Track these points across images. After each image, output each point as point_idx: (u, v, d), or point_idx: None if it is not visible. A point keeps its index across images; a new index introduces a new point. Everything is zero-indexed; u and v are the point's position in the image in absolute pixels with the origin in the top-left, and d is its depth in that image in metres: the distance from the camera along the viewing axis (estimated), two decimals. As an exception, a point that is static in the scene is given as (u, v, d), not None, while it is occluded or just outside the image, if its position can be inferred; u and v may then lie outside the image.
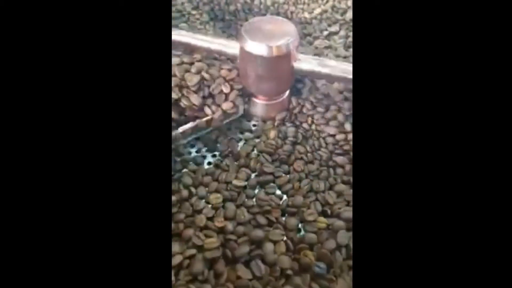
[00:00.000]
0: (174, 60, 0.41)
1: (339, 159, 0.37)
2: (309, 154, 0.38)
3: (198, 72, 0.40)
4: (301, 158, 0.38)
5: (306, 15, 0.57)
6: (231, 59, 0.42)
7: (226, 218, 0.32)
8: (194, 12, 0.57)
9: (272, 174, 0.36)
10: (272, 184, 0.36)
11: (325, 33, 0.54)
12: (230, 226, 0.32)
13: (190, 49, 0.43)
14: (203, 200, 0.34)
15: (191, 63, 0.41)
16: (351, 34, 0.53)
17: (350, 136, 0.39)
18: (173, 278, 0.28)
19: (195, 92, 0.39)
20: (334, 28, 0.55)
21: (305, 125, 0.41)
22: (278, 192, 0.36)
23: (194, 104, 0.39)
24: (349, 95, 0.42)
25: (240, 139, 0.41)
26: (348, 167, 0.37)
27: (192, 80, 0.39)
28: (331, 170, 0.37)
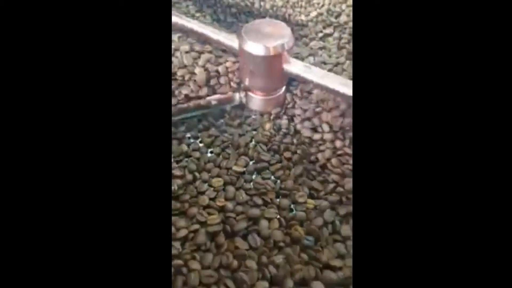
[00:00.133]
0: (183, 48, 0.47)
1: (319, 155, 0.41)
2: (295, 146, 0.42)
3: (206, 62, 0.46)
4: (287, 149, 0.42)
5: (303, 17, 0.61)
6: (236, 53, 0.46)
7: (226, 199, 0.36)
8: (198, 14, 0.61)
9: (268, 162, 0.40)
10: (267, 170, 0.40)
11: (320, 34, 0.58)
12: (230, 205, 0.36)
13: (203, 38, 0.48)
14: (206, 184, 0.38)
15: (201, 52, 0.46)
16: (344, 36, 0.57)
17: (326, 136, 0.42)
18: (179, 247, 0.32)
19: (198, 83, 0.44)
20: (329, 30, 0.59)
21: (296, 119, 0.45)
22: (273, 177, 0.40)
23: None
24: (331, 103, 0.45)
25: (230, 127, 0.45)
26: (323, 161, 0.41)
27: (200, 75, 0.44)
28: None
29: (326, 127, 0.43)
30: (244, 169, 0.40)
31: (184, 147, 0.42)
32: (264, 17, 0.60)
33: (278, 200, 0.37)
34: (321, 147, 0.42)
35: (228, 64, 0.46)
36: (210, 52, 0.48)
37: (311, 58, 0.52)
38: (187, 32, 0.49)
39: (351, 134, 0.42)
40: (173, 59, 0.47)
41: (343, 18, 0.60)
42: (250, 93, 0.45)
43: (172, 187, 0.37)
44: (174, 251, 0.32)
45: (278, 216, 0.35)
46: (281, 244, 0.33)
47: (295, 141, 0.43)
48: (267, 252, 0.32)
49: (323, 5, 0.62)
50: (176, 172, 0.39)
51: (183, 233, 0.33)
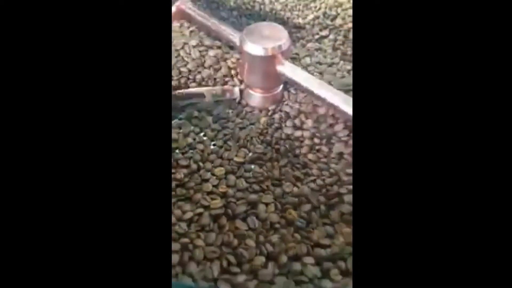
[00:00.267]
0: (192, 42, 0.52)
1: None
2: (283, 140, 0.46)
3: (214, 56, 0.52)
4: (277, 142, 0.45)
5: (300, 20, 0.65)
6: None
7: (228, 186, 0.40)
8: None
9: (261, 153, 0.44)
10: (260, 161, 0.43)
11: (316, 36, 0.62)
12: (231, 191, 0.39)
13: (214, 34, 0.53)
14: (209, 173, 0.42)
15: (210, 47, 0.52)
16: (339, 37, 0.61)
17: (305, 134, 0.46)
18: (186, 228, 0.36)
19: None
20: (325, 32, 0.62)
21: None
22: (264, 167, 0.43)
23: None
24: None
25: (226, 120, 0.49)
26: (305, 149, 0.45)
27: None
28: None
29: (307, 126, 0.47)
30: (244, 159, 0.43)
31: (189, 140, 0.45)
32: (264, 20, 0.64)
33: (273, 187, 0.41)
34: (302, 144, 0.45)
35: (233, 59, 0.51)
36: (219, 47, 0.53)
37: (307, 59, 0.56)
38: (202, 27, 0.56)
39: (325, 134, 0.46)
40: (181, 52, 0.52)
41: (338, 21, 0.63)
42: (249, 90, 0.49)
43: (179, 176, 0.41)
44: (180, 231, 0.36)
45: (274, 201, 0.39)
46: (277, 225, 0.37)
47: (283, 135, 0.46)
48: (264, 232, 0.36)
49: (319, 9, 0.66)
50: (182, 162, 0.42)
51: (188, 215, 0.37)
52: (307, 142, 0.45)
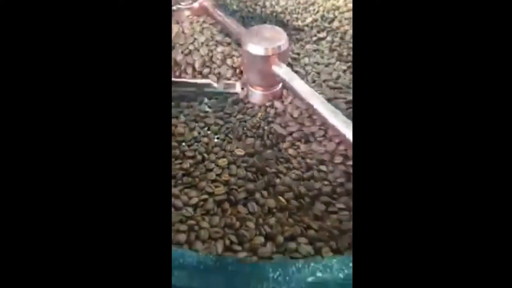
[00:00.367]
0: (201, 39, 0.58)
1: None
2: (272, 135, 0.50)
3: (221, 52, 0.57)
4: (268, 137, 0.49)
5: (299, 23, 0.68)
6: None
7: (230, 175, 0.44)
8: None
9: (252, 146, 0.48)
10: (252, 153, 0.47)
11: (315, 38, 0.65)
12: (232, 180, 0.43)
13: (226, 31, 0.59)
14: (213, 163, 0.46)
15: (220, 43, 0.58)
16: (336, 39, 0.64)
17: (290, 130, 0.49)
18: (192, 212, 0.40)
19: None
20: (322, 34, 0.66)
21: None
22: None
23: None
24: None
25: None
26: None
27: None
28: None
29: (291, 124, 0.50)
30: (243, 152, 0.47)
31: (195, 133, 0.49)
32: (265, 22, 0.68)
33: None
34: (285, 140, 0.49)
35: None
36: (229, 44, 0.58)
37: (306, 59, 0.60)
38: (218, 24, 0.62)
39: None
40: (190, 46, 0.58)
41: (335, 24, 0.67)
42: (250, 88, 0.53)
43: (185, 166, 0.44)
44: (188, 214, 0.39)
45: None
46: (274, 210, 0.40)
47: (272, 130, 0.50)
48: (262, 216, 0.40)
49: (317, 12, 0.70)
50: (188, 153, 0.46)
51: (194, 201, 0.41)
52: (289, 138, 0.49)
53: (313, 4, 0.71)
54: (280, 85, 0.54)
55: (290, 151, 0.47)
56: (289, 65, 0.57)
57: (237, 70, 0.56)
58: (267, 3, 0.72)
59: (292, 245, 0.37)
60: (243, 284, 0.25)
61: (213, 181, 0.43)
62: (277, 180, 0.43)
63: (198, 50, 0.59)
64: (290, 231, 0.38)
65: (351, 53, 0.61)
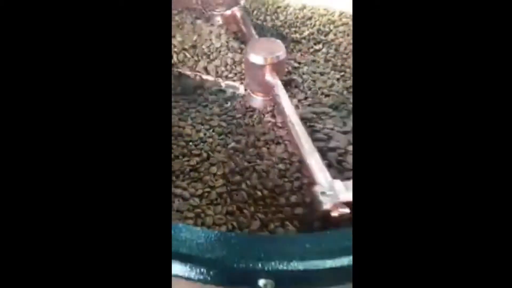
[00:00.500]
0: (217, 44, 0.65)
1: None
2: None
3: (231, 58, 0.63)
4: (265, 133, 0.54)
5: (298, 35, 0.74)
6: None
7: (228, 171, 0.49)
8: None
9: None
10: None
11: (311, 50, 0.71)
12: (230, 175, 0.48)
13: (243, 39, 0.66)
14: (216, 159, 0.51)
15: (235, 51, 0.64)
16: (330, 51, 0.70)
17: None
18: (198, 201, 0.45)
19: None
20: (318, 46, 0.71)
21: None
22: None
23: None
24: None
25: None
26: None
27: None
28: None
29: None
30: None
31: (201, 134, 0.54)
32: (265, 35, 0.73)
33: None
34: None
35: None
36: (242, 50, 0.63)
37: (304, 68, 0.65)
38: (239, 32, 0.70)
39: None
40: (206, 49, 0.65)
41: (330, 36, 0.73)
42: (251, 94, 0.58)
43: (192, 162, 0.50)
44: (194, 203, 0.44)
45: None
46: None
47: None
48: (253, 204, 0.45)
49: (314, 26, 0.75)
50: (195, 152, 0.51)
51: (199, 192, 0.46)
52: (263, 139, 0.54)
53: (310, 18, 0.77)
54: (278, 91, 0.59)
55: (264, 149, 0.52)
56: (289, 73, 0.63)
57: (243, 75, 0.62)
58: (268, 17, 0.78)
59: (281, 230, 0.42)
60: (243, 253, 0.30)
61: (214, 175, 0.48)
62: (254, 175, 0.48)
63: (212, 53, 0.65)
64: (279, 219, 0.43)
65: (345, 63, 0.66)
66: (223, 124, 0.56)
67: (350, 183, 0.39)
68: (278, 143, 0.53)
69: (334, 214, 0.37)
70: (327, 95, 0.60)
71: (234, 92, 0.61)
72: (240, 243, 0.31)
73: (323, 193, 0.38)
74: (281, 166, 0.49)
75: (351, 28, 0.73)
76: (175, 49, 0.65)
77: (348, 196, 0.38)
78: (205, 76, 0.63)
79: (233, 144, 0.53)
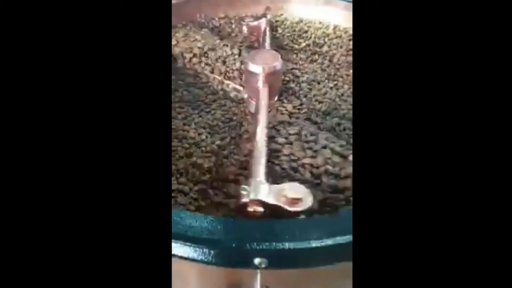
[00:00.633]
0: (228, 52, 0.71)
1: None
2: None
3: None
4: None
5: (296, 46, 0.80)
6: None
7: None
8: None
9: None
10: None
11: (308, 60, 0.76)
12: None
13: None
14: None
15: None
16: (325, 62, 0.75)
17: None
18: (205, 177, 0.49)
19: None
20: (314, 57, 0.77)
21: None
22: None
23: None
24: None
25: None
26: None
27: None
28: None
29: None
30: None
31: (203, 137, 0.59)
32: (264, 47, 0.79)
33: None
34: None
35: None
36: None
37: (303, 76, 0.70)
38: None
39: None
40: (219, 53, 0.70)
41: (325, 48, 0.78)
42: (250, 100, 0.63)
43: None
44: (194, 196, 0.49)
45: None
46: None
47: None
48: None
49: (310, 38, 0.81)
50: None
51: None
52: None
53: (306, 31, 0.82)
54: (276, 97, 0.64)
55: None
56: (288, 81, 0.68)
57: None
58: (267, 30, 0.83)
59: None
60: (240, 235, 0.35)
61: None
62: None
63: (223, 60, 0.70)
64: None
65: (337, 73, 0.72)
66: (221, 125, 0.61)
67: (276, 187, 0.42)
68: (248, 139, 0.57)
69: (250, 209, 0.41)
70: (320, 102, 0.64)
71: (237, 96, 0.66)
72: (238, 226, 0.36)
73: (244, 188, 0.42)
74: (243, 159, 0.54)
75: (344, 40, 0.79)
76: (184, 55, 0.72)
77: (268, 198, 0.40)
78: (211, 81, 0.69)
79: (218, 142, 0.57)
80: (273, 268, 0.36)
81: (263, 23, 0.79)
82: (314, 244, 0.34)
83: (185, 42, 0.74)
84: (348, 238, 0.34)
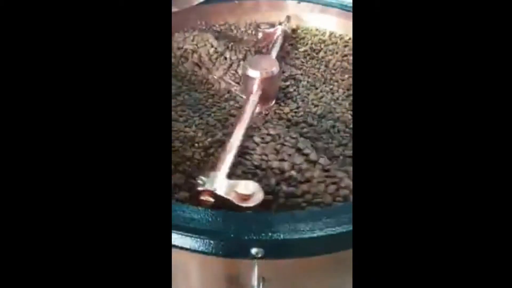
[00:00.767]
0: (233, 57, 0.75)
1: None
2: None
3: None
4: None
5: (295, 51, 0.83)
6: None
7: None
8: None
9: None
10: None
11: (308, 64, 0.79)
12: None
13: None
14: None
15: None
16: (322, 67, 0.78)
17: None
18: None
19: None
20: (312, 62, 0.80)
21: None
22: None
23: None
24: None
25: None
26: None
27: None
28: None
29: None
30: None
31: (199, 134, 0.62)
32: (271, 53, 0.82)
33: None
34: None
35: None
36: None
37: (303, 80, 0.73)
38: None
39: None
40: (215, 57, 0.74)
41: (321, 54, 0.81)
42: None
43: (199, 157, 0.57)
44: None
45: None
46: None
47: None
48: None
49: (307, 44, 0.84)
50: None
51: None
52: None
53: (304, 38, 0.85)
54: (273, 101, 0.66)
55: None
56: (287, 86, 0.71)
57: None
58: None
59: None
60: (238, 226, 0.37)
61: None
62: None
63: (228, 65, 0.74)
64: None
65: (333, 77, 0.74)
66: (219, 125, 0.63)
67: (232, 182, 0.44)
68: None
69: (202, 198, 0.43)
70: (316, 105, 0.67)
71: (236, 99, 0.69)
72: (235, 218, 0.38)
73: (201, 178, 0.44)
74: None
75: (339, 46, 0.82)
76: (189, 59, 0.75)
77: (219, 191, 0.43)
78: (212, 82, 0.72)
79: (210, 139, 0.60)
80: (270, 258, 0.38)
81: (278, 30, 0.82)
82: (308, 235, 0.36)
83: (190, 45, 0.78)
84: (342, 228, 0.37)
